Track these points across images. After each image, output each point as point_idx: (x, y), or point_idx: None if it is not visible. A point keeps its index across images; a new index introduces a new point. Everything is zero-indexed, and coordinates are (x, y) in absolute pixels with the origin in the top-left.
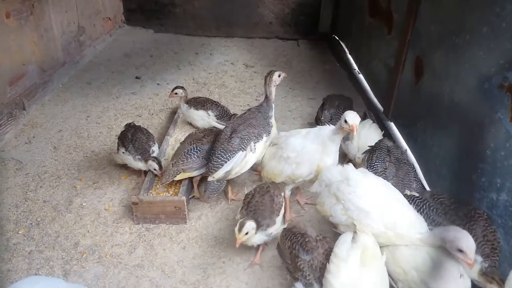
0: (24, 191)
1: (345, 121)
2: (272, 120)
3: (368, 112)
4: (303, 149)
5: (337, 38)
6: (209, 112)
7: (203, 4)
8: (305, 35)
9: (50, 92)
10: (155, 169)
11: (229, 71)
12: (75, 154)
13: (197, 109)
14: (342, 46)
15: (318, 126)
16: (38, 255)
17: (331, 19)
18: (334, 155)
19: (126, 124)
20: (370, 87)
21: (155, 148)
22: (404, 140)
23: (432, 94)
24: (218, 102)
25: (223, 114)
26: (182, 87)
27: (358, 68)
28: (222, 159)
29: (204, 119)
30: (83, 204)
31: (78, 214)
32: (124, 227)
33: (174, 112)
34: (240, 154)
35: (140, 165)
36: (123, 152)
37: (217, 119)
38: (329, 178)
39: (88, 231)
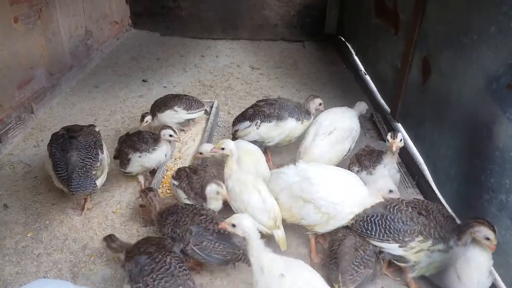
0: (33, 194)
1: None
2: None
3: (375, 113)
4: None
5: (343, 39)
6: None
7: (208, 7)
8: (311, 36)
9: (58, 96)
10: (170, 135)
11: (235, 73)
12: None
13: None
14: (348, 47)
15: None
16: (46, 258)
17: (337, 20)
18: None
19: (120, 138)
20: (377, 88)
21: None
22: (412, 141)
23: (440, 95)
24: (179, 95)
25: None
26: (148, 113)
27: (365, 69)
28: None
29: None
30: (91, 207)
31: (86, 217)
32: (132, 229)
33: None
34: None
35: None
36: (139, 157)
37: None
38: (285, 180)
39: (96, 234)
